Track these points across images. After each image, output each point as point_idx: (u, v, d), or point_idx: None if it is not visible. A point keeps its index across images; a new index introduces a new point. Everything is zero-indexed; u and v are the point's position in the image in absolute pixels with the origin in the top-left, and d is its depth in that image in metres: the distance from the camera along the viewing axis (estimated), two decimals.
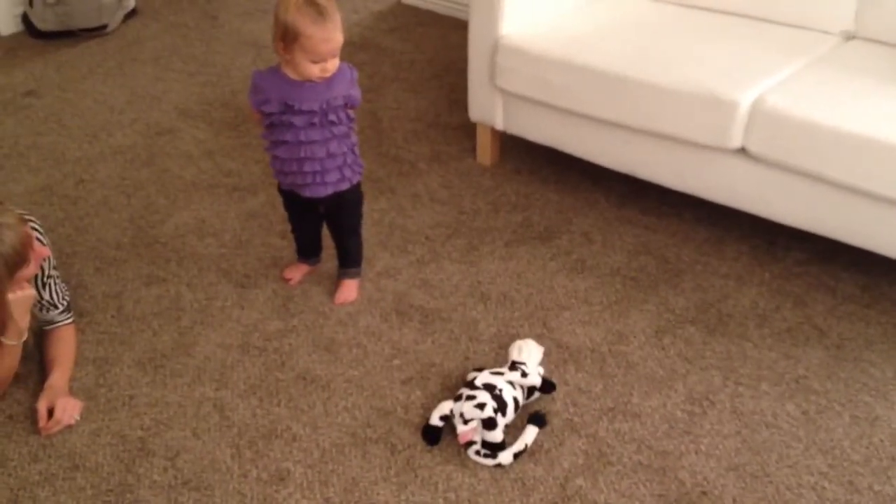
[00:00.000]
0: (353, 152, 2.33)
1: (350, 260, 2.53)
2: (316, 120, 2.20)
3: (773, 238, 2.73)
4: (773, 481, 1.98)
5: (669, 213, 2.86)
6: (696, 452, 2.05)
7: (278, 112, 2.20)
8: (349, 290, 2.52)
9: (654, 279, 2.58)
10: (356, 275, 2.55)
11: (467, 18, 2.91)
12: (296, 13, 2.06)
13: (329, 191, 2.32)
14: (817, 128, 2.31)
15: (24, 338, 2.12)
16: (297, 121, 2.19)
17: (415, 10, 4.40)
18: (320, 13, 2.07)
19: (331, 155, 2.27)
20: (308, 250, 2.59)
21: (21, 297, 2.05)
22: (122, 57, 3.94)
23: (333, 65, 2.15)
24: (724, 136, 2.46)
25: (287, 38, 2.09)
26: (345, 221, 2.47)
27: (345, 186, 2.34)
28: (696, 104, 2.47)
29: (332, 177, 2.30)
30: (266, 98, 2.19)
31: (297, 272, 2.58)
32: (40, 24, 4.03)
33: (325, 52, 2.11)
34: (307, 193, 2.32)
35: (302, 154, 2.24)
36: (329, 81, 2.18)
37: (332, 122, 2.22)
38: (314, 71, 2.13)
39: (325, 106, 2.19)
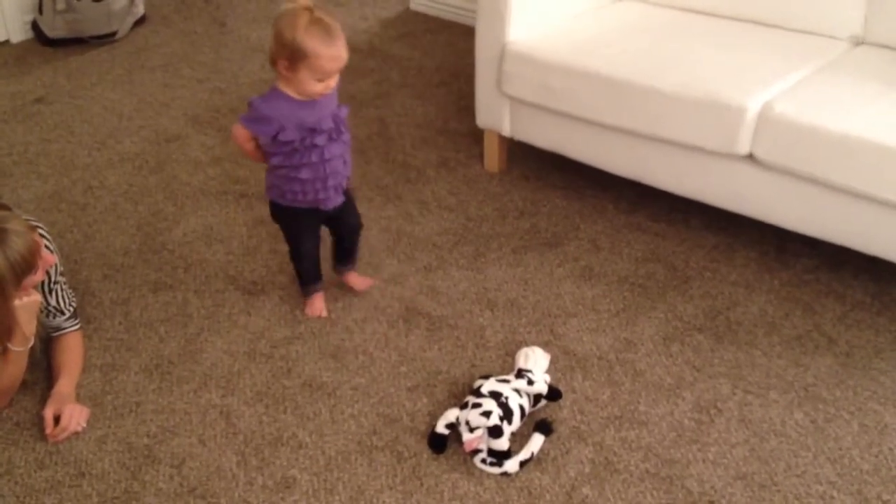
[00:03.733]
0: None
1: (355, 257, 2.57)
2: (333, 134, 2.21)
3: (782, 245, 2.71)
4: (781, 490, 1.96)
5: (678, 220, 2.85)
6: (704, 461, 2.03)
7: (299, 138, 2.17)
8: (362, 277, 2.59)
9: (663, 286, 2.57)
10: (356, 266, 2.60)
11: (475, 25, 2.91)
12: (304, 34, 2.04)
13: (343, 197, 2.35)
14: (825, 134, 2.30)
15: (31, 344, 2.12)
16: (320, 140, 2.18)
17: (423, 17, 4.40)
18: (329, 32, 2.06)
19: (346, 164, 2.30)
20: (318, 272, 2.51)
21: (27, 302, 2.06)
22: (131, 64, 3.95)
23: (335, 81, 2.15)
24: (732, 143, 2.45)
25: (294, 57, 2.06)
26: (354, 218, 2.47)
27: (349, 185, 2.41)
28: (703, 110, 2.46)
29: (345, 183, 2.34)
30: (281, 126, 2.14)
31: (321, 301, 2.52)
32: (50, 32, 4.05)
33: (332, 71, 2.11)
34: (329, 205, 2.32)
35: (326, 171, 2.23)
36: (331, 95, 2.19)
37: (341, 133, 2.24)
38: (317, 88, 2.12)
39: (336, 119, 2.21)
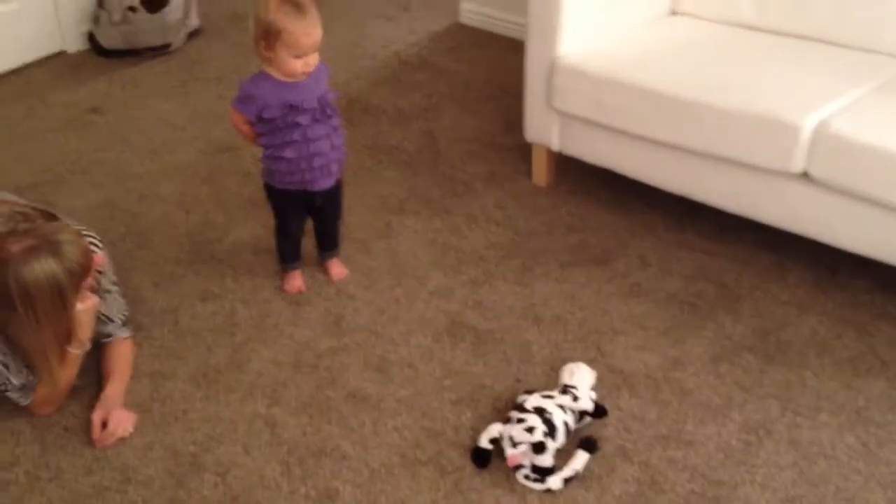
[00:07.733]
0: (343, 143, 2.47)
1: (336, 242, 2.68)
2: (318, 116, 2.33)
3: (836, 265, 2.66)
4: None
5: (729, 238, 2.81)
6: (752, 483, 2.00)
7: (281, 115, 2.29)
8: (341, 266, 2.69)
9: (712, 305, 2.54)
10: (338, 252, 2.70)
11: (524, 39, 2.90)
12: (276, 11, 2.19)
13: (333, 181, 2.47)
14: (882, 153, 2.26)
15: (87, 348, 2.16)
16: (303, 119, 2.31)
17: (472, 31, 4.40)
18: (299, 9, 2.20)
19: (334, 147, 2.41)
20: (297, 252, 2.63)
21: (89, 306, 2.11)
22: (185, 75, 4.01)
23: (314, 59, 2.27)
24: (787, 161, 2.41)
25: (269, 36, 2.20)
26: (338, 208, 2.62)
27: (340, 174, 2.51)
28: (757, 127, 2.43)
29: (335, 167, 2.45)
30: (265, 104, 2.29)
31: (299, 279, 2.63)
32: (105, 42, 4.12)
33: (306, 47, 2.22)
34: (316, 188, 2.44)
35: (311, 150, 2.35)
36: (316, 78, 2.32)
37: (329, 116, 2.37)
38: (297, 66, 2.24)
39: (321, 101, 2.33)
